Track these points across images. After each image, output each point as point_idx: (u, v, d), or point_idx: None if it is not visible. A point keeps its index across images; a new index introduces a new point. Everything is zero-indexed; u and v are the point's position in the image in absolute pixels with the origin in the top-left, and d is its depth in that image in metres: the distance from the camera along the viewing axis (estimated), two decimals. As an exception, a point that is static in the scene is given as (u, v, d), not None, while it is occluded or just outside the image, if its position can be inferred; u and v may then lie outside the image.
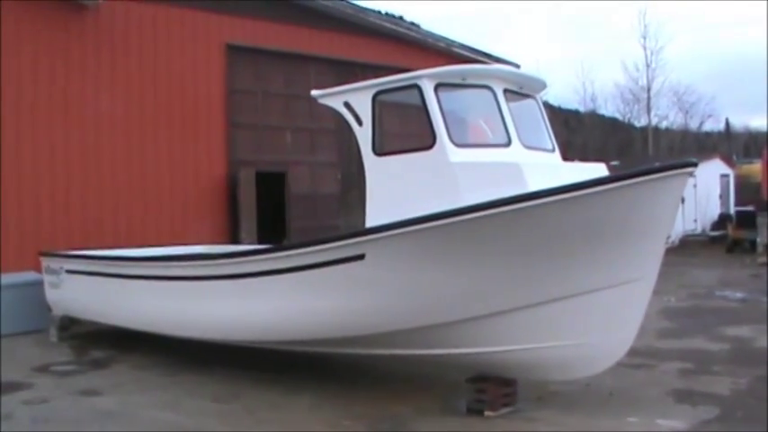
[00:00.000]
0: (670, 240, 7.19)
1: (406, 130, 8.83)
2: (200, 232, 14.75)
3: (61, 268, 11.29)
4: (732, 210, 28.59)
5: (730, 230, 24.83)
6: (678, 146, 53.05)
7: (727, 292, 15.02)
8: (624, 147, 52.96)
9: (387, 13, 18.83)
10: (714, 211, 29.05)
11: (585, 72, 79.49)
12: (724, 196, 30.79)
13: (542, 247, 6.35)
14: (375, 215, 7.37)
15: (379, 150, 7.59)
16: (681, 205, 6.67)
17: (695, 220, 27.39)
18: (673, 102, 53.49)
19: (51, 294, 11.62)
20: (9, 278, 12.18)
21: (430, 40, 19.61)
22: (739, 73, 74.89)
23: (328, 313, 7.29)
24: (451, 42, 20.06)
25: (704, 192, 26.69)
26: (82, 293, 10.90)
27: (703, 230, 28.12)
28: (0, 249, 12.74)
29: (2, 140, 13.04)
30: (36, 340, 11.45)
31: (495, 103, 7.57)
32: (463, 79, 7.60)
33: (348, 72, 16.02)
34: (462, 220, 6.39)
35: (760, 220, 21.96)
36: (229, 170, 16.06)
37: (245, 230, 15.63)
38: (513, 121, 7.58)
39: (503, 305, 6.63)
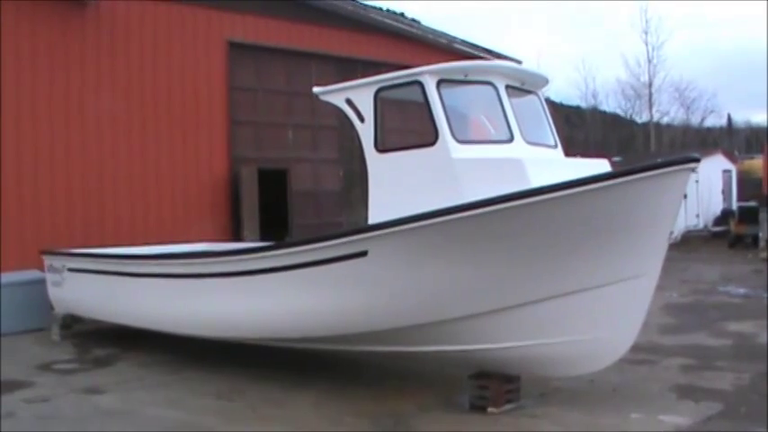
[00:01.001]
0: (673, 236, 7.16)
1: (408, 126, 8.83)
2: (203, 230, 14.74)
3: (63, 266, 11.30)
4: (734, 205, 28.57)
5: (732, 226, 24.80)
6: (680, 141, 53.02)
7: (730, 288, 15.00)
8: (626, 142, 52.98)
9: (388, 10, 18.82)
10: (716, 206, 29.03)
11: (587, 68, 79.57)
12: (726, 192, 30.76)
13: (545, 243, 6.34)
14: (377, 212, 7.36)
15: (381, 147, 7.58)
16: (683, 201, 6.65)
17: (697, 216, 27.35)
18: (674, 97, 53.54)
19: (53, 293, 11.62)
20: (11, 276, 12.18)
21: (431, 36, 19.59)
22: (741, 68, 74.88)
23: (331, 310, 7.29)
24: (453, 39, 20.04)
25: (706, 187, 26.65)
26: (84, 292, 10.90)
27: (705, 226, 28.09)
28: (1, 248, 12.75)
29: (2, 139, 13.04)
30: (38, 339, 11.46)
31: (497, 100, 7.56)
32: (465, 75, 7.59)
33: (349, 69, 16.02)
34: (465, 217, 6.38)
35: (762, 215, 21.94)
36: (231, 167, 16.07)
37: (248, 228, 15.63)
38: (516, 117, 7.57)
39: (505, 302, 6.63)
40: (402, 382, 8.12)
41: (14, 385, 8.56)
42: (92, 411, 7.50)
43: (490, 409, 6.87)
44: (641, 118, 54.43)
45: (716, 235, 26.78)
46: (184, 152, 15.44)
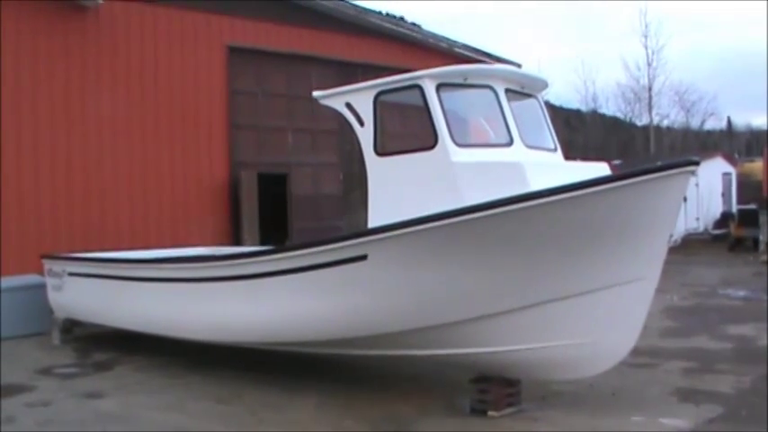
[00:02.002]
0: (672, 239, 7.16)
1: (408, 130, 8.82)
2: (203, 234, 14.77)
3: (64, 271, 11.29)
4: (734, 208, 28.55)
5: (732, 229, 24.79)
6: (680, 145, 53.05)
7: (730, 291, 15.00)
8: (626, 146, 52.96)
9: (388, 14, 18.84)
10: (716, 209, 29.00)
11: (587, 71, 79.47)
12: (726, 195, 30.74)
13: (545, 246, 6.34)
14: (377, 216, 7.36)
15: (380, 151, 7.58)
16: (683, 204, 6.65)
17: (697, 219, 27.33)
18: (674, 100, 53.55)
19: (54, 297, 11.61)
20: (11, 281, 12.17)
21: (431, 40, 19.60)
22: (741, 71, 74.97)
23: (331, 314, 7.29)
24: (453, 42, 20.06)
25: (706, 190, 26.63)
26: (84, 296, 10.90)
27: (706, 229, 28.07)
28: (1, 252, 12.74)
29: (2, 143, 13.05)
30: (38, 343, 11.45)
31: (496, 103, 7.57)
32: (465, 79, 7.60)
33: (349, 73, 16.00)
34: (464, 221, 6.38)
35: (762, 218, 21.95)
36: (231, 171, 16.07)
37: (248, 232, 15.63)
38: (515, 120, 7.57)
39: (505, 305, 6.62)
40: (402, 386, 8.12)
41: (15, 389, 8.55)
42: (92, 415, 7.49)
43: (491, 413, 6.87)
44: (641, 121, 54.47)
45: (716, 238, 26.77)
46: (185, 156, 15.45)
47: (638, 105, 53.27)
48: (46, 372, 9.56)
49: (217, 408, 7.69)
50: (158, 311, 9.30)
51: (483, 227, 6.35)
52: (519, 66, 18.45)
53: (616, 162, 28.25)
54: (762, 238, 21.75)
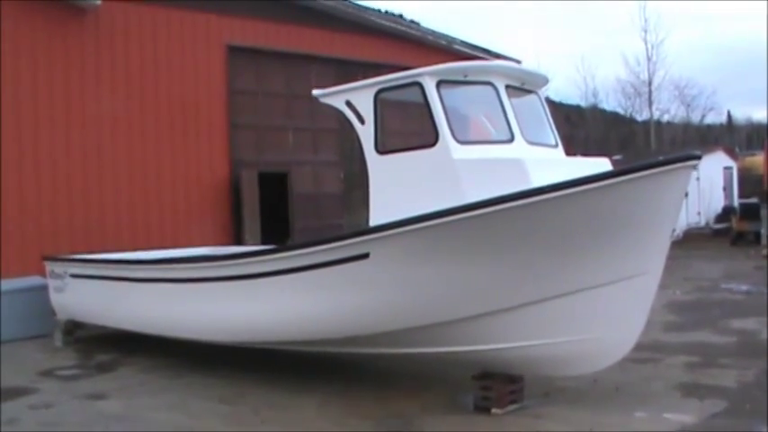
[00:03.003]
0: (674, 234, 7.16)
1: (409, 127, 8.81)
2: (204, 233, 14.76)
3: (65, 272, 11.29)
4: (736, 202, 28.54)
5: (734, 223, 24.79)
6: (680, 139, 52.95)
7: (732, 285, 14.98)
8: (626, 141, 52.84)
9: (386, 12, 18.82)
10: (718, 203, 29.02)
11: (586, 67, 79.31)
12: (727, 189, 30.75)
13: (547, 242, 6.33)
14: (378, 214, 7.34)
15: (381, 149, 7.57)
16: (685, 198, 6.64)
17: (699, 213, 27.35)
18: (674, 95, 53.39)
19: (56, 298, 11.61)
20: (13, 283, 12.15)
21: (430, 37, 19.58)
22: (741, 65, 74.83)
23: (333, 313, 7.28)
24: (452, 39, 20.03)
25: (708, 185, 26.65)
26: (86, 297, 10.89)
27: (707, 223, 28.08)
28: (2, 254, 12.74)
29: (2, 143, 13.04)
30: (41, 345, 11.44)
31: (497, 100, 7.55)
32: (465, 76, 7.59)
33: (349, 71, 15.99)
34: (466, 218, 6.37)
35: (763, 212, 21.92)
36: (232, 171, 16.06)
37: (249, 231, 15.62)
38: (516, 116, 7.56)
39: (508, 302, 6.62)
40: (405, 384, 8.11)
41: (17, 392, 8.55)
42: (95, 417, 7.49)
43: (494, 410, 6.87)
44: (641, 116, 54.30)
45: (717, 232, 26.76)
46: (185, 156, 15.44)
47: (638, 100, 53.15)
48: (48, 373, 9.56)
49: (220, 407, 7.69)
50: (161, 312, 9.29)
51: (485, 224, 6.34)
52: (519, 62, 18.45)
53: (617, 157, 28.23)
54: (763, 231, 21.71)
